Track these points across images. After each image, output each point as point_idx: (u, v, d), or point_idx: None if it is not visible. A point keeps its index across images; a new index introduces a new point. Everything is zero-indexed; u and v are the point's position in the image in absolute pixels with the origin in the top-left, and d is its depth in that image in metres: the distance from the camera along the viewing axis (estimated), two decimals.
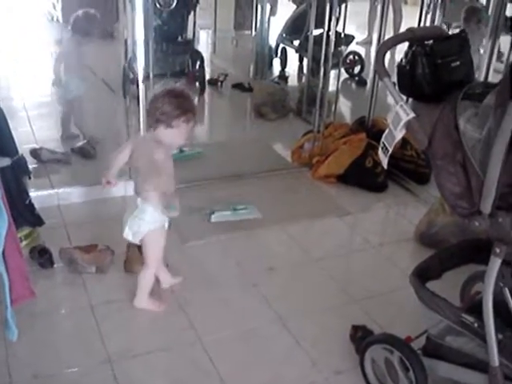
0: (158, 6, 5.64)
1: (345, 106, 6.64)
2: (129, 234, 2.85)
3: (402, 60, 2.08)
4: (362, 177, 4.36)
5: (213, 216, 3.76)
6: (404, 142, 4.34)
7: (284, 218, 3.89)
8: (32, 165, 4.08)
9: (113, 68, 6.70)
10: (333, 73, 5.29)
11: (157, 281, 3.06)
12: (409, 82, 2.05)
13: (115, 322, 2.88)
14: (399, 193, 4.39)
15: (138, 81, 3.83)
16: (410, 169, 4.47)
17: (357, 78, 7.36)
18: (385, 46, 2.10)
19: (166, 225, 2.92)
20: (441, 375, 2.34)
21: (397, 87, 2.08)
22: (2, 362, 2.56)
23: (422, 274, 2.31)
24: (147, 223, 2.80)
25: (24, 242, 3.23)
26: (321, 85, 4.92)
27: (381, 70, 2.07)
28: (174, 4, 5.81)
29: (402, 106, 2.02)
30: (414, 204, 4.21)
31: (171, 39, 6.18)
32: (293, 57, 7.44)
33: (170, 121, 2.63)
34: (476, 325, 2.10)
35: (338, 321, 2.90)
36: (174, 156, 4.48)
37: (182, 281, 3.14)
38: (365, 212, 4.15)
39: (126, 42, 5.95)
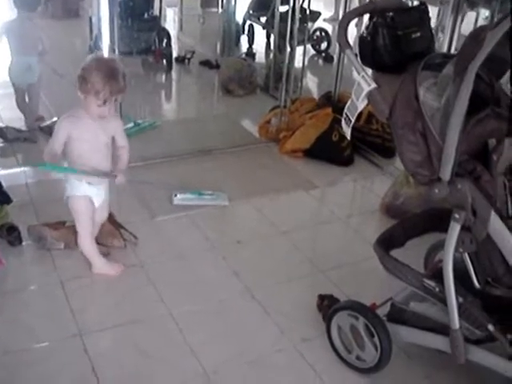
0: None
1: (312, 82, 6.68)
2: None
3: (363, 32, 2.12)
4: (329, 151, 4.40)
5: (175, 198, 3.71)
6: (370, 116, 4.40)
7: (251, 192, 3.92)
8: None
9: (78, 47, 6.69)
10: (300, 49, 5.31)
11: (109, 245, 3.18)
12: (370, 53, 2.09)
13: (85, 296, 2.90)
14: (365, 166, 4.45)
15: None
16: (376, 143, 4.53)
17: (323, 55, 7.38)
18: (347, 18, 2.14)
19: (96, 201, 2.97)
20: (405, 340, 2.41)
21: (359, 58, 2.12)
22: None
23: (386, 242, 2.37)
24: (70, 187, 2.91)
25: None
26: (287, 60, 4.96)
27: (343, 42, 2.11)
28: None
29: (363, 76, 2.07)
30: (380, 177, 4.27)
31: (137, 16, 6.12)
32: (260, 33, 7.43)
33: (95, 90, 2.65)
34: (437, 289, 2.16)
35: (306, 291, 2.95)
36: (130, 131, 4.50)
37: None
38: (331, 186, 4.20)
39: (90, 19, 5.90)
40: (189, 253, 3.26)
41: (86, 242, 3.01)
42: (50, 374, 2.42)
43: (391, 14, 2.08)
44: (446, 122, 1.86)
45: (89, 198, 2.93)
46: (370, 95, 2.05)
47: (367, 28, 2.09)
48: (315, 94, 5.76)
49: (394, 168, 4.23)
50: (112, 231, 3.21)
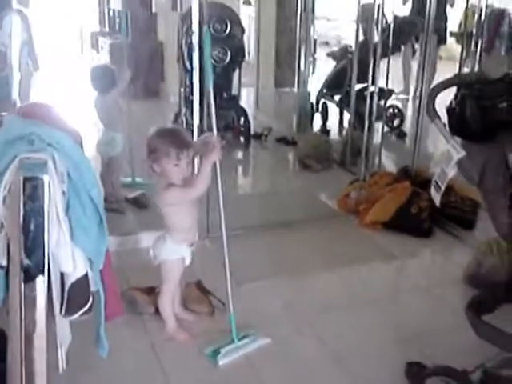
0: (212, 62, 5.85)
1: (386, 158, 6.73)
2: (151, 251, 3.05)
3: (451, 103, 2.23)
4: (408, 223, 4.45)
5: (220, 359, 2.96)
6: (448, 188, 4.42)
7: (333, 263, 3.98)
8: None
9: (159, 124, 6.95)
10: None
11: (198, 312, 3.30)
12: (458, 122, 2.19)
13: (176, 360, 2.97)
14: (445, 238, 4.46)
15: (192, 136, 4.00)
16: (454, 214, 4.54)
17: (396, 131, 7.48)
18: (435, 91, 2.26)
19: (188, 260, 3.07)
20: None
21: (447, 128, 2.22)
22: None
23: (477, 307, 2.38)
24: (165, 251, 2.99)
25: None
26: (365, 137, 5.11)
27: (431, 112, 2.22)
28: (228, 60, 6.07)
29: (453, 145, 2.16)
30: (461, 248, 4.25)
31: (217, 95, 6.38)
32: (333, 111, 7.62)
33: (165, 151, 2.78)
34: None
35: (392, 359, 2.95)
36: None
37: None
38: (412, 257, 4.22)
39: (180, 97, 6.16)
40: (273, 321, 3.31)
41: (168, 302, 3.11)
42: None
43: (477, 85, 2.19)
44: None
45: (184, 259, 3.04)
46: (459, 163, 2.13)
47: (455, 98, 2.20)
48: (390, 169, 5.84)
49: (473, 239, 4.21)
50: (200, 297, 3.31)
